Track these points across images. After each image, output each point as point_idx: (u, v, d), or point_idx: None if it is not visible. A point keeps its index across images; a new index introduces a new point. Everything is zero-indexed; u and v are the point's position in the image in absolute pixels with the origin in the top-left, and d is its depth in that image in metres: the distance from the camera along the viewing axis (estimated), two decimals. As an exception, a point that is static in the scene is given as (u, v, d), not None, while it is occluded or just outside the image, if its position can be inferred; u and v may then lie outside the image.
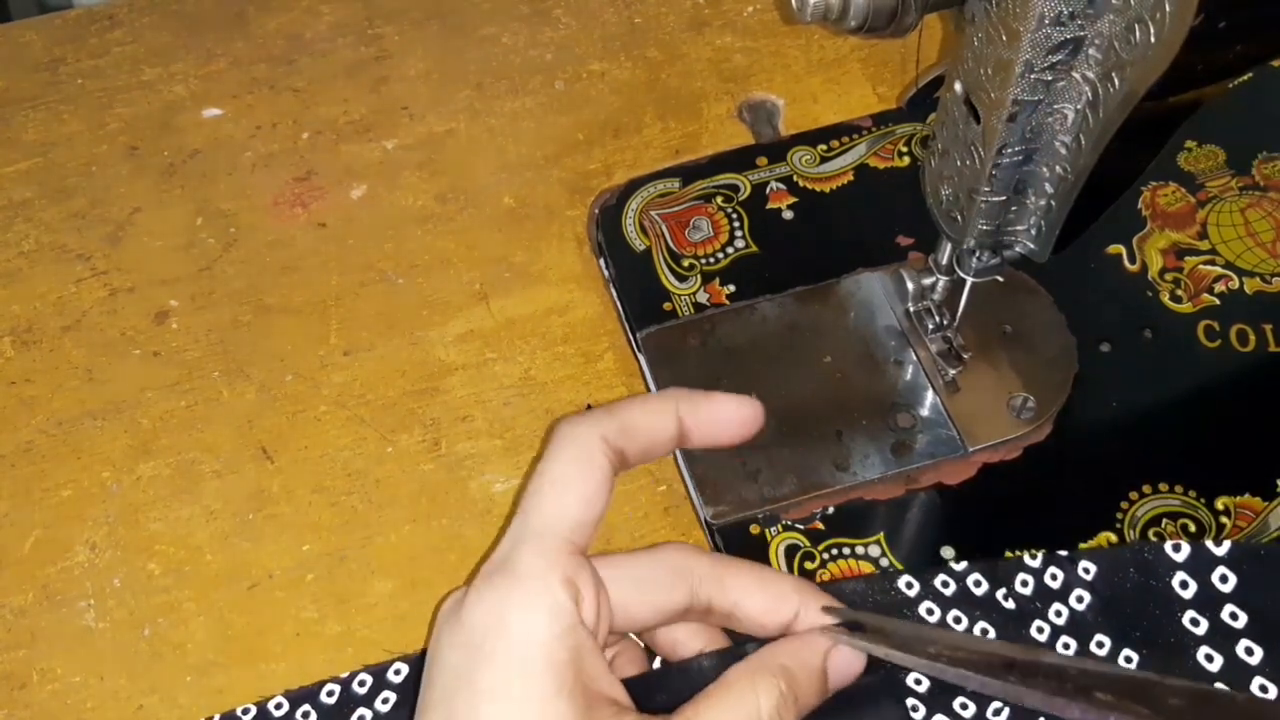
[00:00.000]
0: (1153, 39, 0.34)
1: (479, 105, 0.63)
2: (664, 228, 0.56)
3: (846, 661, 0.38)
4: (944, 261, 0.49)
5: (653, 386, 0.52)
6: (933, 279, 0.50)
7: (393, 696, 0.44)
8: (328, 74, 0.64)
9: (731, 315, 0.54)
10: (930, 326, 0.51)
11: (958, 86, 0.41)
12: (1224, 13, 0.32)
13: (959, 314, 0.50)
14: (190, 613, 0.48)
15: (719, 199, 0.57)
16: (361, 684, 0.45)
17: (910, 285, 0.50)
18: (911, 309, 0.51)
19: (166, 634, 0.48)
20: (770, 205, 0.57)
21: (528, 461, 0.52)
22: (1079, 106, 0.38)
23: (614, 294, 0.56)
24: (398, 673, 0.45)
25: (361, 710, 0.44)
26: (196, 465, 0.52)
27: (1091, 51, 0.36)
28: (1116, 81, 0.36)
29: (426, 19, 0.67)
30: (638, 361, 0.54)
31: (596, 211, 0.57)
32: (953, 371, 0.51)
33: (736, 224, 0.57)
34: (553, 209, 0.59)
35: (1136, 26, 0.34)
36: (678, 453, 0.51)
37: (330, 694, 0.45)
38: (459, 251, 0.58)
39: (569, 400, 0.53)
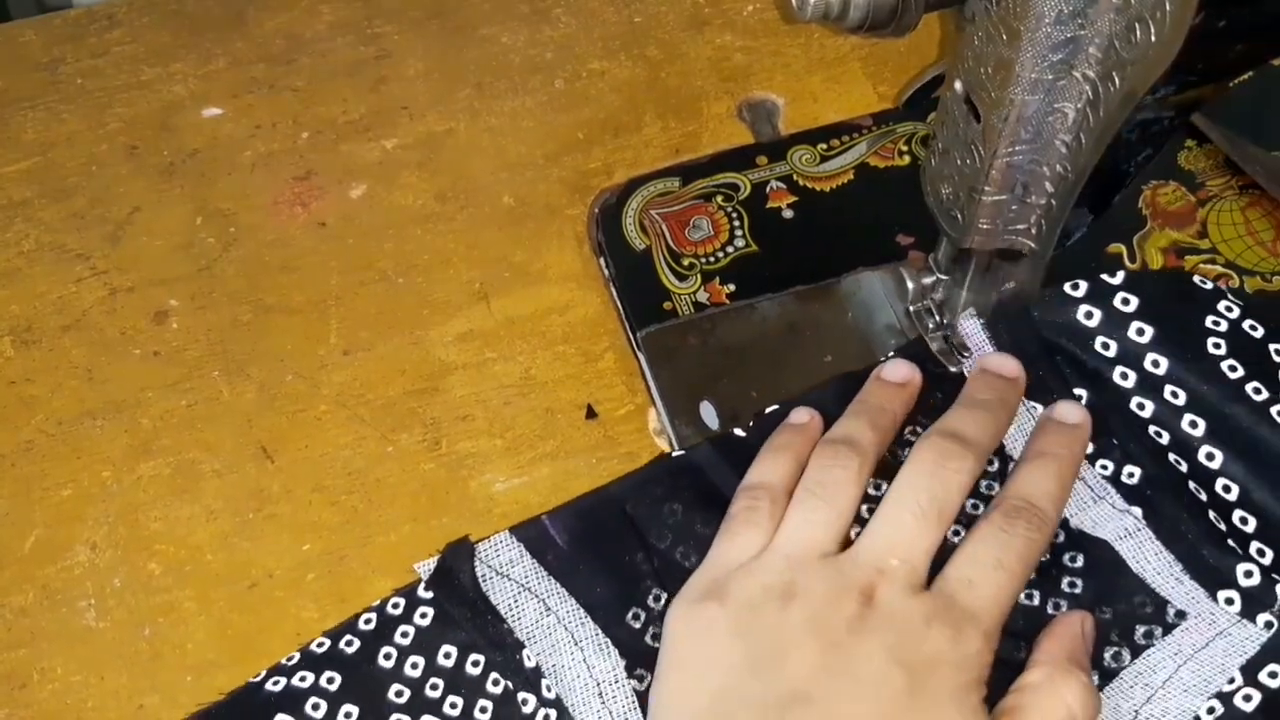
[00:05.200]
0: (1153, 38, 0.34)
1: (479, 104, 0.63)
2: (664, 227, 0.56)
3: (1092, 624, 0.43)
4: (944, 260, 0.49)
5: (653, 386, 0.52)
6: (933, 278, 0.50)
7: (430, 611, 0.46)
8: (327, 73, 0.64)
9: (732, 314, 0.54)
10: (930, 325, 0.51)
11: (958, 85, 0.41)
12: (1224, 12, 0.32)
13: (959, 312, 0.50)
14: (190, 612, 0.48)
15: (719, 198, 0.57)
16: (395, 606, 0.46)
17: (910, 284, 0.50)
18: (911, 308, 0.51)
19: (167, 633, 0.48)
20: (770, 204, 0.57)
21: (528, 461, 0.52)
22: (1079, 105, 0.38)
23: (614, 293, 0.56)
24: (427, 589, 0.46)
25: (404, 627, 0.46)
26: (196, 465, 0.52)
27: (1092, 50, 0.36)
28: (1117, 80, 0.36)
29: (426, 18, 0.66)
30: (638, 361, 0.54)
31: (596, 211, 0.57)
32: (953, 370, 0.51)
33: (736, 223, 0.57)
34: (553, 208, 0.59)
35: (1137, 25, 0.34)
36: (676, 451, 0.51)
37: (368, 621, 0.46)
38: (459, 251, 0.58)
39: (569, 399, 0.53)
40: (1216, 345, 0.47)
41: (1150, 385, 0.47)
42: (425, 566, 0.47)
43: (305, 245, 0.58)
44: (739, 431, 0.48)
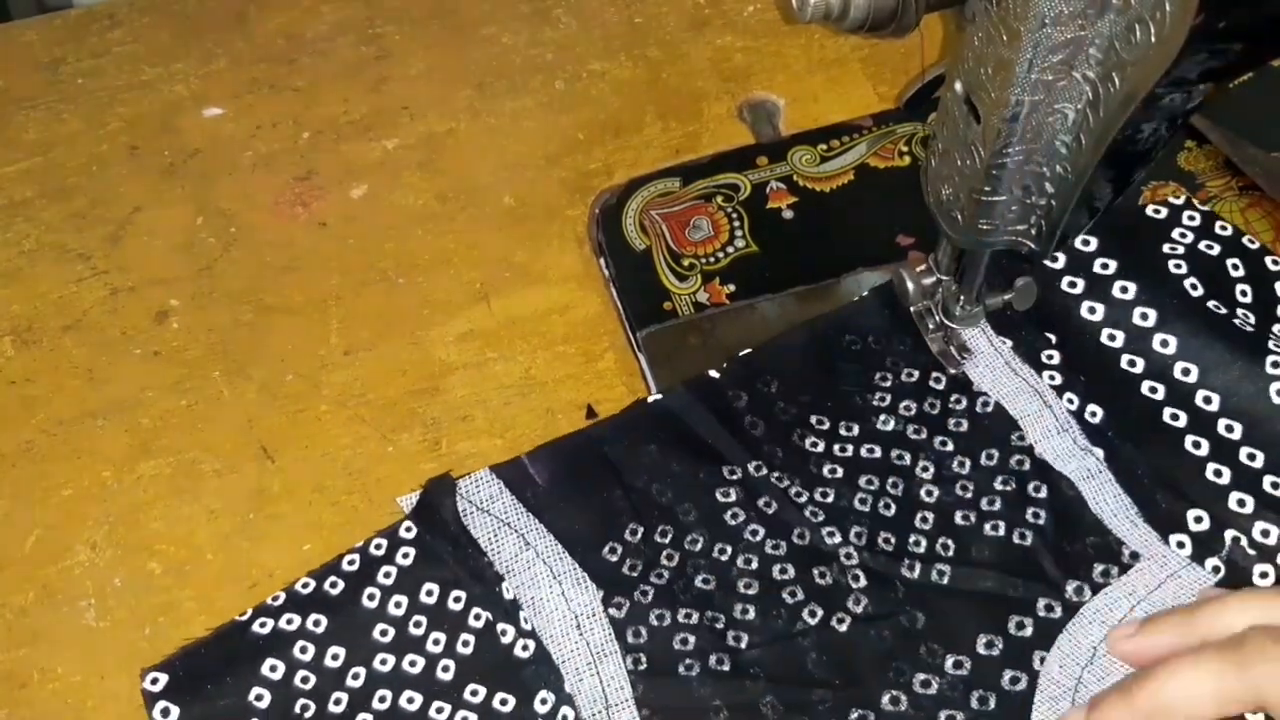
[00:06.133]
0: (1153, 39, 0.34)
1: (479, 105, 0.63)
2: (664, 227, 0.56)
3: None
4: (944, 261, 0.49)
5: (653, 386, 0.52)
6: (933, 279, 0.50)
7: (411, 551, 0.47)
8: (328, 73, 0.64)
9: (732, 315, 0.54)
10: (930, 326, 0.51)
11: (958, 86, 0.41)
12: (1224, 12, 0.32)
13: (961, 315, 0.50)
14: (191, 612, 0.48)
15: (719, 198, 0.57)
16: (378, 547, 0.47)
17: (910, 285, 0.50)
18: (912, 309, 0.51)
19: (167, 633, 0.48)
20: (770, 205, 0.57)
21: (528, 461, 0.52)
22: (1079, 106, 0.38)
23: (614, 293, 0.56)
24: (409, 530, 0.48)
25: (386, 568, 0.47)
26: (197, 465, 0.52)
27: (1092, 51, 0.36)
28: (1117, 81, 0.36)
29: (427, 18, 0.66)
30: (638, 361, 0.54)
31: (597, 211, 0.57)
32: (952, 370, 0.51)
33: (736, 223, 0.57)
34: (553, 209, 0.59)
35: (1137, 26, 0.34)
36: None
37: (351, 562, 0.47)
38: (459, 251, 0.58)
39: (569, 400, 0.53)
40: (1178, 266, 0.50)
41: (1120, 314, 0.49)
42: (408, 500, 0.48)
43: (306, 245, 0.58)
44: (713, 373, 0.50)
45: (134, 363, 0.55)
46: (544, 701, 0.44)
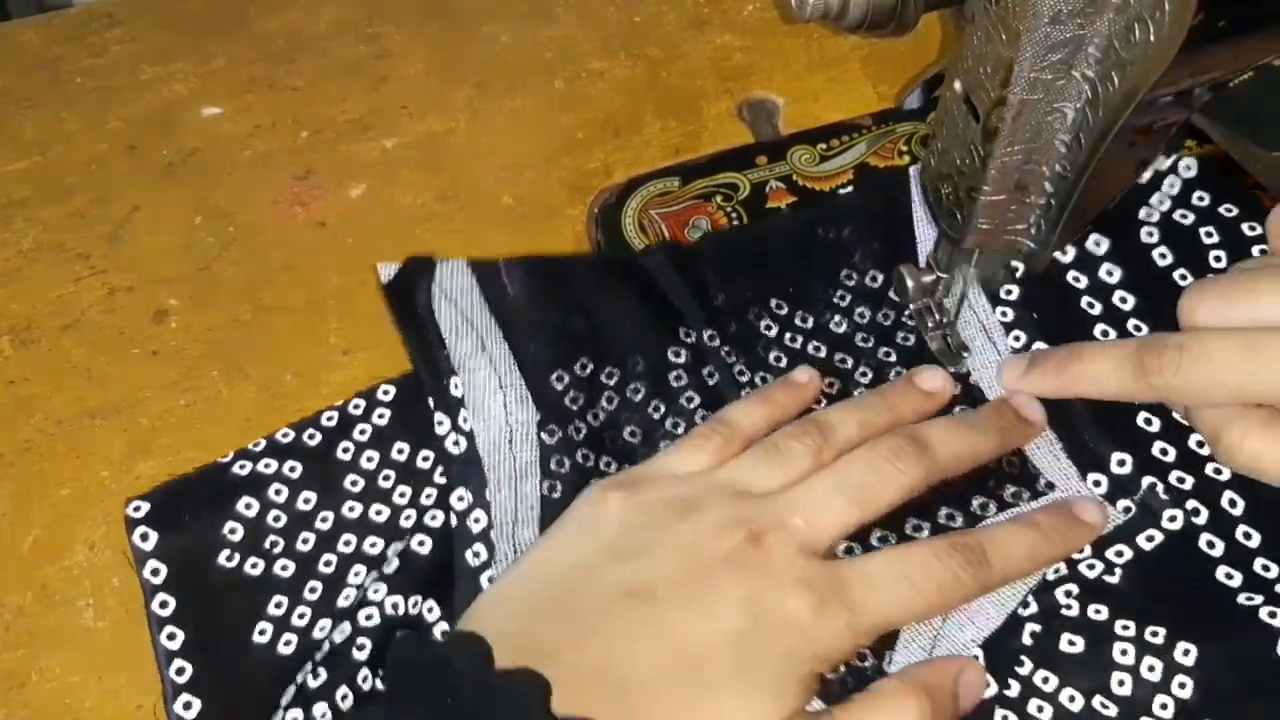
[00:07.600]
0: (1152, 38, 0.34)
1: (479, 104, 0.63)
2: (664, 227, 0.56)
3: (976, 682, 0.41)
4: (943, 260, 0.49)
5: (652, 385, 0.53)
6: (932, 277, 0.50)
7: (387, 412, 0.50)
8: (327, 73, 0.64)
9: (731, 314, 0.54)
10: (930, 325, 0.51)
11: (957, 85, 0.41)
12: (1223, 11, 0.32)
13: (957, 312, 0.50)
14: (189, 612, 0.48)
15: (718, 198, 0.57)
16: (356, 407, 0.50)
17: (910, 284, 0.50)
18: (911, 308, 0.51)
19: (165, 633, 0.48)
20: (770, 204, 0.57)
21: (527, 461, 0.52)
22: (1079, 105, 0.38)
23: (613, 293, 0.56)
24: (385, 393, 0.50)
25: (362, 425, 0.49)
26: (195, 464, 0.52)
27: (1091, 50, 0.36)
28: (1116, 80, 0.36)
29: (426, 18, 0.66)
30: (637, 361, 0.54)
31: (596, 210, 0.57)
32: (952, 370, 0.51)
33: (736, 223, 0.56)
34: (552, 208, 0.59)
35: (1136, 25, 0.34)
36: None
37: (330, 419, 0.50)
38: (458, 251, 0.58)
39: (568, 399, 0.53)
40: (1150, 234, 0.50)
41: (1089, 264, 0.49)
42: (387, 270, 0.50)
43: (305, 245, 0.58)
44: (692, 242, 0.53)
45: (132, 362, 0.55)
46: (460, 499, 0.46)
